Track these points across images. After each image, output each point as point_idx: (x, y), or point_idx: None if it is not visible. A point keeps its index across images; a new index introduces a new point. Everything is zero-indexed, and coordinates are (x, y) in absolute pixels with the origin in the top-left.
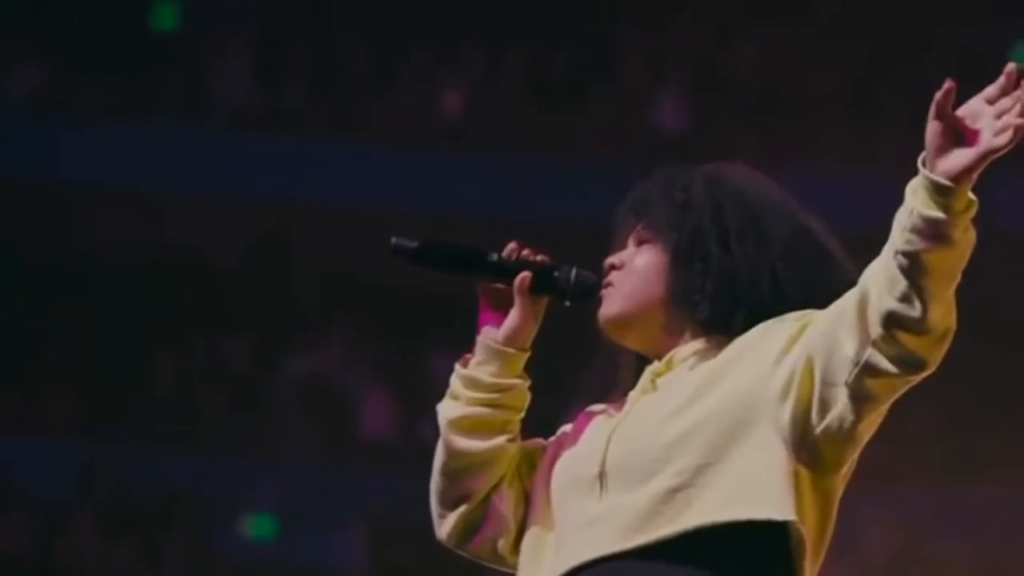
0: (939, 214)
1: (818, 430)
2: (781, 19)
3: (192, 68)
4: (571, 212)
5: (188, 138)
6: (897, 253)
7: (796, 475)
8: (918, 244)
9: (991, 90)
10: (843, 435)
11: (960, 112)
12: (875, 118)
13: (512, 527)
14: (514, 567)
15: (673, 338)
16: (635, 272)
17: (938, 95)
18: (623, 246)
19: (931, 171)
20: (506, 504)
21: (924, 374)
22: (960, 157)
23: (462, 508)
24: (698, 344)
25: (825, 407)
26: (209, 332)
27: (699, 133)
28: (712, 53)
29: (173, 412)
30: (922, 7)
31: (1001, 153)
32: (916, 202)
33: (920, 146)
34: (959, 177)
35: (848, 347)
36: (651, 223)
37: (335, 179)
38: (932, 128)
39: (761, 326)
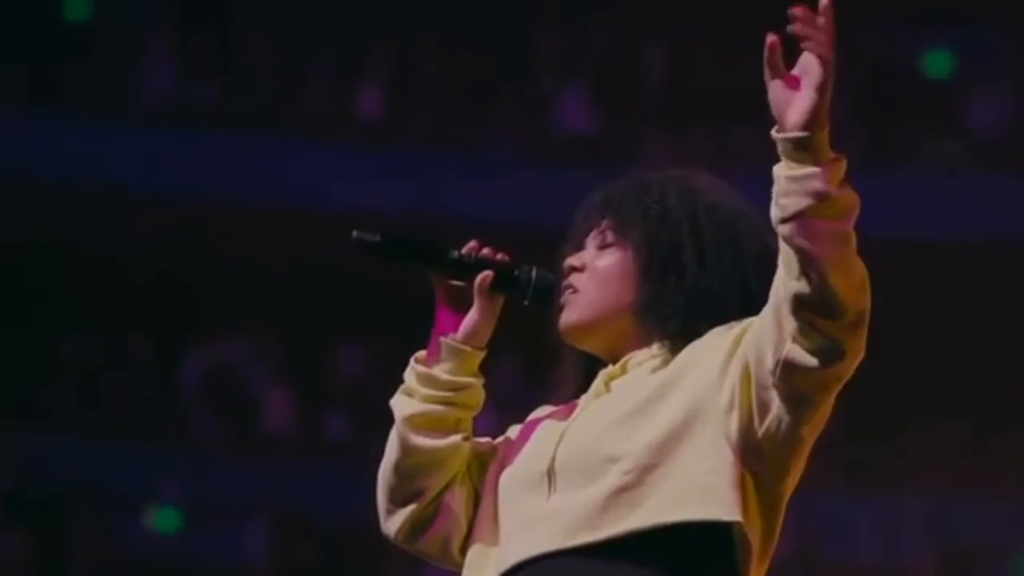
0: (801, 169)
1: (760, 434)
2: (689, 24)
3: (105, 61)
4: (481, 208)
5: (97, 130)
6: (778, 226)
7: (743, 479)
8: (792, 207)
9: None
10: (783, 438)
11: (795, 70)
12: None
13: (464, 526)
14: (460, 566)
15: (634, 344)
16: (599, 277)
17: (765, 55)
18: (580, 246)
19: (781, 131)
20: (458, 503)
21: (845, 365)
22: (798, 102)
23: (412, 506)
24: (656, 349)
25: (763, 411)
26: (115, 323)
27: (606, 136)
28: (621, 57)
29: (78, 403)
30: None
31: (825, 80)
32: (780, 169)
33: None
34: (807, 123)
35: (770, 347)
36: (620, 228)
37: (246, 175)
38: (771, 89)
39: (713, 331)
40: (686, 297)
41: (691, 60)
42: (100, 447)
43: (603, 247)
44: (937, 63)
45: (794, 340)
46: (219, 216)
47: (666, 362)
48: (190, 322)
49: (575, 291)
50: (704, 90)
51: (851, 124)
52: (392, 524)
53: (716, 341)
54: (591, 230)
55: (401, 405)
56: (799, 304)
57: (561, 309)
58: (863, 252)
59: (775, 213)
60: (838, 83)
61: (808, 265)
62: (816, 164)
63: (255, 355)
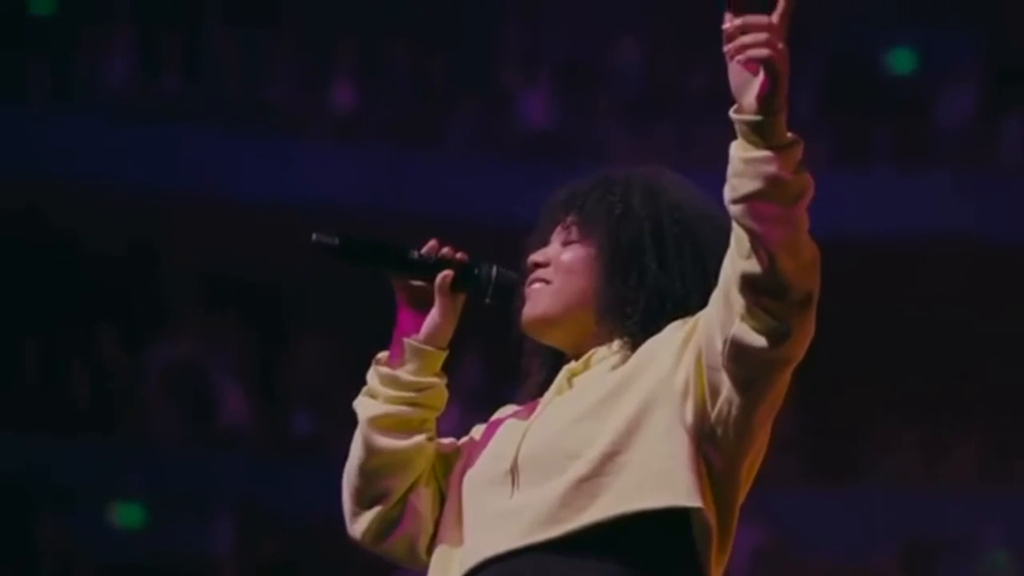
0: (755, 152)
1: (713, 418)
2: (655, 20)
3: (68, 54)
4: (445, 204)
5: (61, 124)
6: (729, 205)
7: (699, 466)
8: (743, 188)
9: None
10: (735, 422)
11: None
12: None
13: (430, 526)
14: (427, 566)
15: (596, 340)
16: (563, 271)
17: (726, 46)
18: (545, 242)
19: (738, 113)
20: (423, 503)
21: (792, 346)
22: (755, 86)
23: (378, 507)
24: (617, 346)
25: (715, 393)
26: (78, 319)
27: (570, 132)
28: (585, 53)
29: (41, 399)
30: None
31: (771, 62)
32: (735, 148)
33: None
34: (763, 107)
35: (719, 327)
36: (584, 226)
37: (208, 170)
38: (731, 70)
39: (672, 325)
40: (646, 297)
41: (656, 57)
42: (64, 442)
43: (567, 243)
44: (901, 60)
45: (742, 319)
46: (183, 211)
47: (626, 359)
48: (153, 317)
49: (538, 285)
50: (669, 87)
51: (816, 121)
52: (358, 526)
53: (673, 335)
54: (556, 226)
55: (364, 407)
56: (747, 283)
57: (524, 303)
58: (828, 249)
59: (727, 192)
60: (801, 80)
61: (757, 246)
62: (770, 148)
63: (218, 350)
